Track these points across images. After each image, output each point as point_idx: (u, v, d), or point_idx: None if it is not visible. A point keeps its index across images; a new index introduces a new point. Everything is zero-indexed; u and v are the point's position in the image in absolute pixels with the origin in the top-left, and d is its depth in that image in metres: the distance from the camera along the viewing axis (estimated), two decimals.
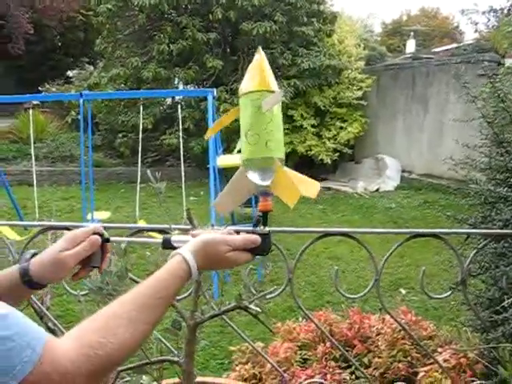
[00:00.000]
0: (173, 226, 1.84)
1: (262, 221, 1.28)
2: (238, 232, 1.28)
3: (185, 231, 1.78)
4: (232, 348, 3.31)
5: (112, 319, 0.96)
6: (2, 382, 0.82)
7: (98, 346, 0.90)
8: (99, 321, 0.96)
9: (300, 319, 3.50)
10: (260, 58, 1.35)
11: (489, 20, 10.47)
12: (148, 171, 1.71)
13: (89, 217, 7.00)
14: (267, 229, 1.27)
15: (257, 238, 1.22)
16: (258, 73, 1.31)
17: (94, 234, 1.24)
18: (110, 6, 11.96)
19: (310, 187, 1.41)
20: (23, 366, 0.83)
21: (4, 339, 0.83)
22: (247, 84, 1.31)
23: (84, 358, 0.89)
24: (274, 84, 1.31)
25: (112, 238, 1.29)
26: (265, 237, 1.24)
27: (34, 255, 1.23)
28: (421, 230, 2.11)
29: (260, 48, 1.39)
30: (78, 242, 1.21)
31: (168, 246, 1.24)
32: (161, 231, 2.15)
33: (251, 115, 1.28)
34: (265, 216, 1.29)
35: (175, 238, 1.25)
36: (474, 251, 2.07)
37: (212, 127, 1.51)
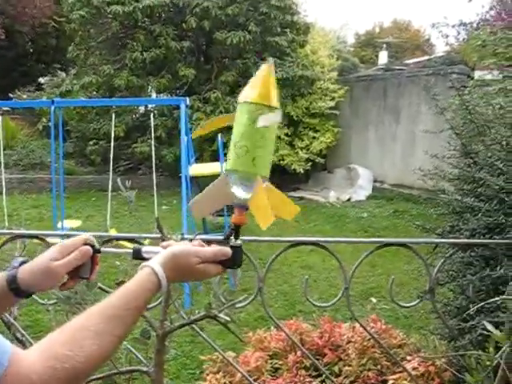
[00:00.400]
0: (143, 235, 1.83)
1: (234, 233, 1.26)
2: (209, 242, 1.27)
3: (155, 240, 1.78)
4: (203, 357, 3.29)
5: (79, 331, 0.95)
6: None
7: (64, 358, 0.89)
8: (66, 333, 0.95)
9: (272, 328, 3.49)
10: (267, 68, 1.26)
11: (459, 33, 10.67)
12: (118, 180, 1.71)
13: (59, 225, 6.91)
14: (239, 241, 1.25)
15: (228, 251, 1.21)
16: (261, 84, 1.24)
17: (85, 244, 1.23)
18: (83, 13, 11.89)
19: (288, 209, 1.38)
20: None
21: None
22: (247, 93, 1.25)
23: (50, 371, 0.87)
24: (275, 100, 1.25)
25: (103, 249, 1.28)
26: (236, 249, 1.23)
27: (22, 263, 1.21)
28: (390, 240, 2.13)
29: (271, 59, 1.30)
30: (69, 252, 1.20)
31: (138, 256, 1.23)
32: (131, 240, 2.15)
33: (245, 126, 1.23)
34: (237, 229, 1.27)
35: (145, 248, 1.23)
36: (442, 260, 2.10)
37: (202, 126, 1.46)
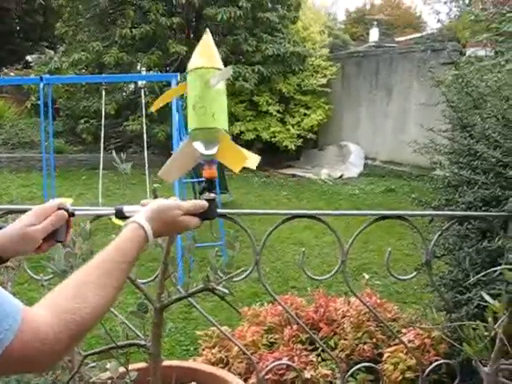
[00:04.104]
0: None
1: (208, 188, 1.38)
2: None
3: None
4: (198, 333, 3.29)
5: (83, 285, 1.00)
6: None
7: (73, 311, 0.94)
8: (70, 288, 0.99)
9: (265, 304, 3.50)
10: (207, 37, 1.46)
11: (450, 10, 10.62)
12: (113, 153, 1.72)
13: None
14: (212, 195, 1.37)
15: (205, 203, 1.32)
16: (207, 51, 1.43)
17: (59, 208, 1.27)
18: None
19: (251, 158, 1.52)
20: (5, 334, 0.85)
21: None
22: (196, 61, 1.42)
23: (62, 323, 0.91)
24: (220, 62, 1.43)
25: (77, 212, 1.33)
26: (211, 202, 1.34)
27: None
28: (388, 212, 2.13)
29: (207, 29, 1.52)
30: (45, 217, 1.23)
31: (121, 215, 1.30)
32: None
33: (200, 89, 1.39)
34: (210, 183, 1.39)
35: (127, 208, 1.30)
36: (439, 232, 2.10)
37: (158, 100, 1.57)
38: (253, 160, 1.52)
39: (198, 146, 1.40)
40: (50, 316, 0.91)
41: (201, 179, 1.51)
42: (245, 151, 1.51)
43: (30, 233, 1.21)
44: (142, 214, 1.21)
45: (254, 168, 1.52)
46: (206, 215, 1.32)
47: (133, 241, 1.13)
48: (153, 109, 1.88)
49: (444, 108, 3.06)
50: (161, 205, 1.25)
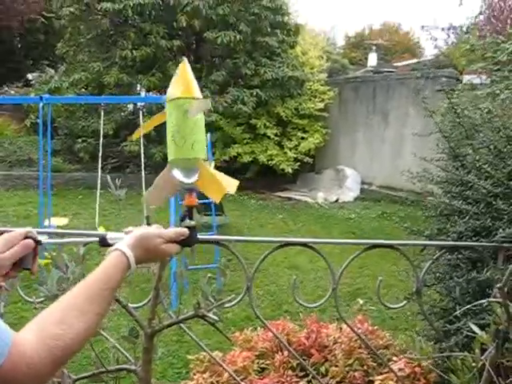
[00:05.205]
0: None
1: (188, 215, 1.41)
2: None
3: None
4: (190, 357, 3.29)
5: (67, 311, 1.04)
6: None
7: (57, 337, 0.98)
8: (56, 314, 1.03)
9: (258, 328, 3.49)
10: (184, 66, 1.45)
11: (448, 36, 10.76)
12: (108, 177, 1.73)
13: (46, 223, 6.87)
14: (193, 222, 1.40)
15: (185, 231, 1.35)
16: (184, 81, 1.43)
17: (27, 237, 1.30)
18: (72, 10, 11.82)
19: (230, 184, 1.56)
20: None
21: None
22: (174, 91, 1.42)
23: (47, 348, 0.96)
24: (198, 91, 1.44)
25: (44, 241, 1.36)
26: (191, 229, 1.37)
27: None
28: (378, 241, 2.14)
29: (185, 58, 1.50)
30: (12, 245, 1.26)
31: (104, 243, 1.32)
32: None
33: (178, 119, 1.40)
34: (190, 210, 1.42)
35: (110, 235, 1.34)
36: (429, 262, 2.12)
37: (138, 130, 1.60)
38: (232, 185, 1.55)
39: (178, 174, 1.43)
40: (36, 341, 0.96)
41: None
42: (222, 178, 1.55)
43: None
44: (124, 241, 1.25)
45: (233, 193, 1.54)
46: (186, 242, 1.35)
47: (116, 267, 1.17)
48: (133, 138, 1.91)
49: (438, 137, 3.09)
50: (143, 233, 1.29)
